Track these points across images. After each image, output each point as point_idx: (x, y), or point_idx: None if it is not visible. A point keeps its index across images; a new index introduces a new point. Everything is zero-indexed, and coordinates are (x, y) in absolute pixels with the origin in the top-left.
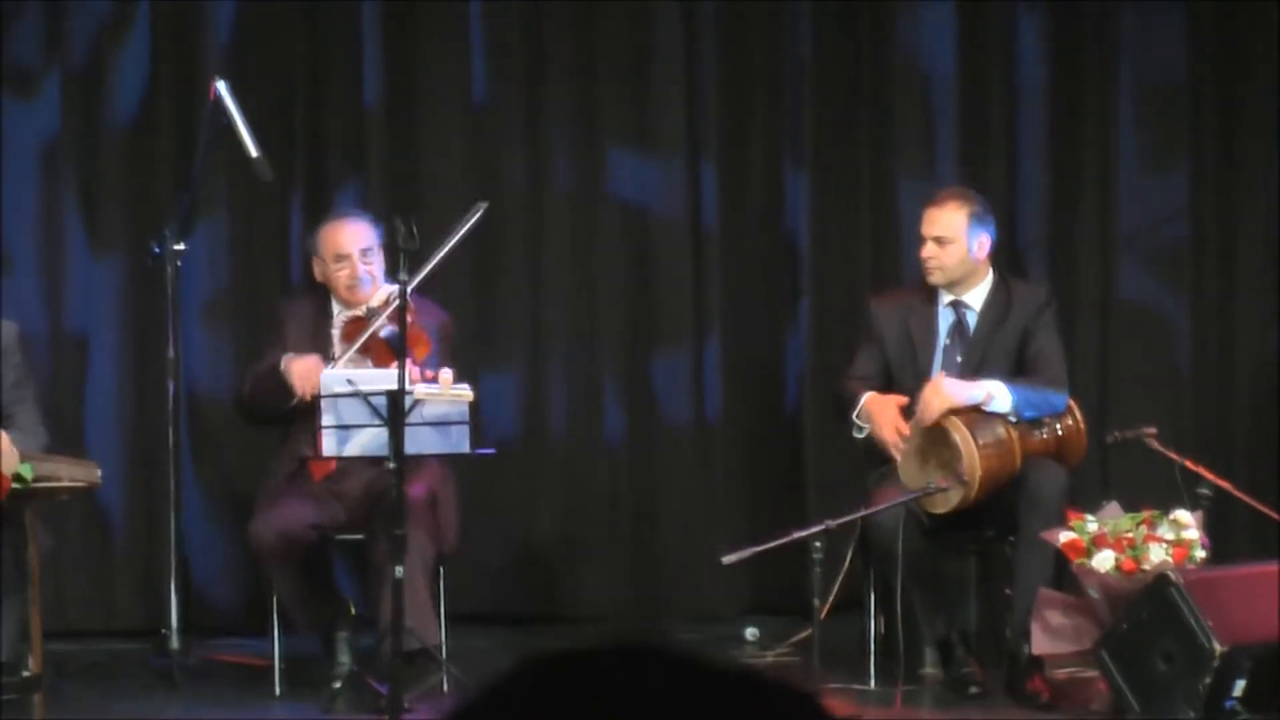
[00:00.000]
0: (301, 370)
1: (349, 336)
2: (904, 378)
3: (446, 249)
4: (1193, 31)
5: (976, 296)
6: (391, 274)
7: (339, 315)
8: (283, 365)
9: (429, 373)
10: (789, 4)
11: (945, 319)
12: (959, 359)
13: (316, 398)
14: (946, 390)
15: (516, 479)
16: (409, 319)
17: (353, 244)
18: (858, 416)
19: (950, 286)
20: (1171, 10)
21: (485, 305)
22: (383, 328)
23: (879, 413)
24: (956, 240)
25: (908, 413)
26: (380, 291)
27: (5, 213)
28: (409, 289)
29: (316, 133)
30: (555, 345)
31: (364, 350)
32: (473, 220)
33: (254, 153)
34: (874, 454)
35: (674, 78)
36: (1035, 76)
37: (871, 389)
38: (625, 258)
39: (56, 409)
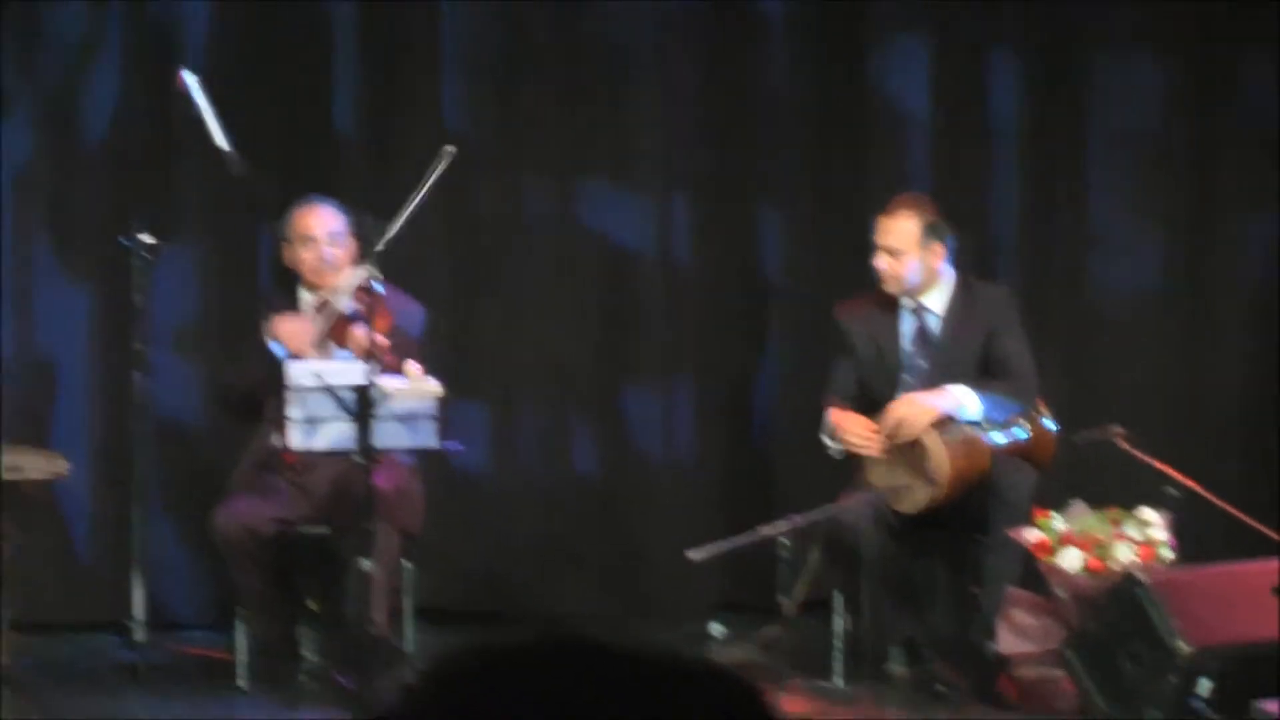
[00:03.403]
0: (291, 329)
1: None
2: (877, 385)
3: (416, 201)
4: (1166, 79)
5: (938, 300)
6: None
7: (306, 300)
8: (270, 331)
9: (384, 343)
10: (764, 43)
11: (908, 325)
12: (923, 364)
13: (284, 391)
14: (919, 410)
15: (487, 497)
16: (378, 313)
17: (319, 227)
18: (827, 434)
19: (910, 293)
20: (1143, 58)
21: (456, 335)
22: (345, 304)
23: (843, 422)
24: (908, 250)
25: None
26: (348, 276)
27: None
28: (377, 273)
29: (287, 160)
30: (526, 377)
31: (327, 329)
32: (440, 169)
33: (222, 144)
34: (846, 471)
35: (649, 112)
36: (1009, 118)
37: (845, 405)
38: (598, 290)
39: (26, 405)
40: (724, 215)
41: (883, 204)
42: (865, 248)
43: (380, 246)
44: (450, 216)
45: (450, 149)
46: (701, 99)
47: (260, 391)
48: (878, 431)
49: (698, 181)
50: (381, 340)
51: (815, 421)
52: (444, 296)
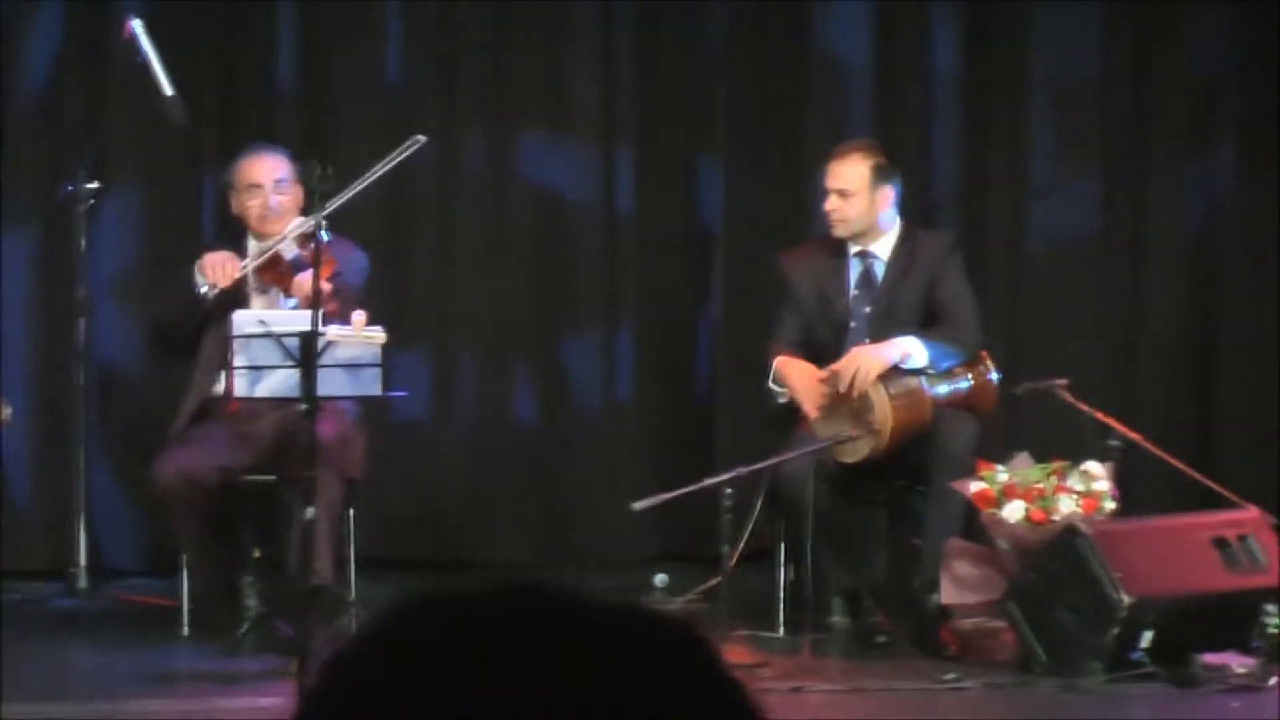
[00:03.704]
0: (214, 259)
1: (263, 268)
2: (821, 330)
3: (372, 178)
4: (1105, 27)
5: (883, 247)
6: (305, 212)
7: (252, 249)
8: (195, 268)
9: (328, 288)
10: None
11: (854, 270)
12: (867, 309)
13: (229, 338)
14: (868, 361)
15: (427, 442)
16: (322, 260)
17: (265, 175)
18: (773, 381)
19: (856, 238)
20: (1086, 5)
21: (396, 285)
22: (289, 250)
23: (795, 376)
24: (859, 193)
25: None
26: (293, 224)
27: None
28: (323, 221)
29: (229, 111)
30: (466, 327)
31: (270, 273)
32: (406, 153)
33: (168, 91)
34: (786, 421)
35: (590, 61)
36: (949, 68)
37: (789, 351)
38: (539, 240)
39: None
40: (664, 163)
41: (823, 154)
42: (806, 196)
43: (327, 209)
44: (392, 175)
45: (420, 137)
46: (641, 48)
47: (184, 326)
48: (825, 379)
49: (638, 130)
50: (325, 286)
51: (757, 371)
52: (383, 245)
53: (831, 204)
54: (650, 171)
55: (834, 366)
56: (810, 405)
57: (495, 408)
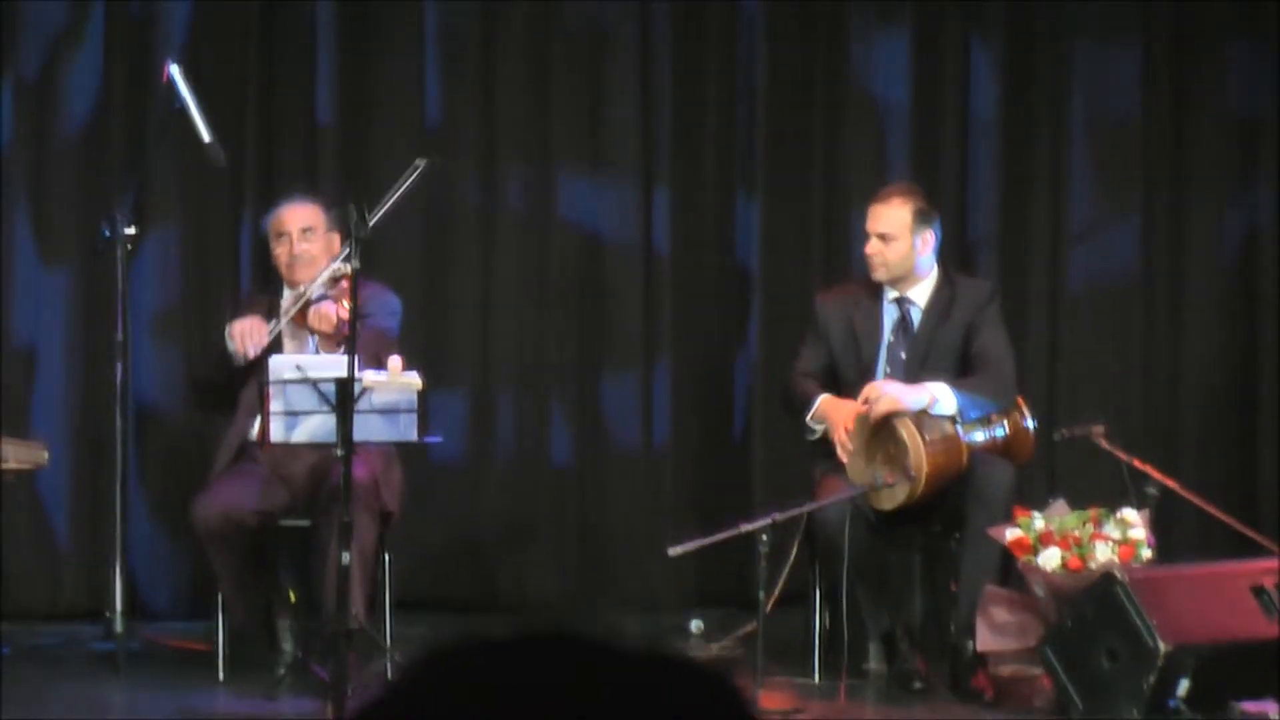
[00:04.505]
0: (242, 328)
1: (297, 315)
2: (848, 373)
3: (384, 208)
4: (1145, 70)
5: (921, 293)
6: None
7: (287, 298)
8: (226, 332)
9: (344, 314)
10: (744, 32)
11: (890, 315)
12: (903, 355)
13: (265, 384)
14: (891, 391)
15: (462, 486)
16: (348, 300)
17: (293, 223)
18: (812, 419)
19: (895, 283)
20: (1126, 47)
21: (434, 326)
22: (317, 294)
23: (834, 414)
24: (900, 237)
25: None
26: (325, 271)
27: None
28: (355, 268)
29: (268, 150)
30: (504, 368)
31: (301, 318)
32: (411, 178)
33: (206, 137)
34: (823, 450)
35: (628, 102)
36: (988, 107)
37: (821, 387)
38: (577, 281)
39: (4, 390)
40: (703, 204)
41: (861, 195)
42: (845, 237)
43: (347, 252)
44: (428, 206)
45: (421, 160)
46: (680, 87)
47: (222, 384)
48: (853, 434)
49: (677, 171)
50: (343, 312)
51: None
52: (420, 285)
53: (873, 248)
54: (688, 211)
55: (863, 393)
56: (843, 446)
57: (532, 447)
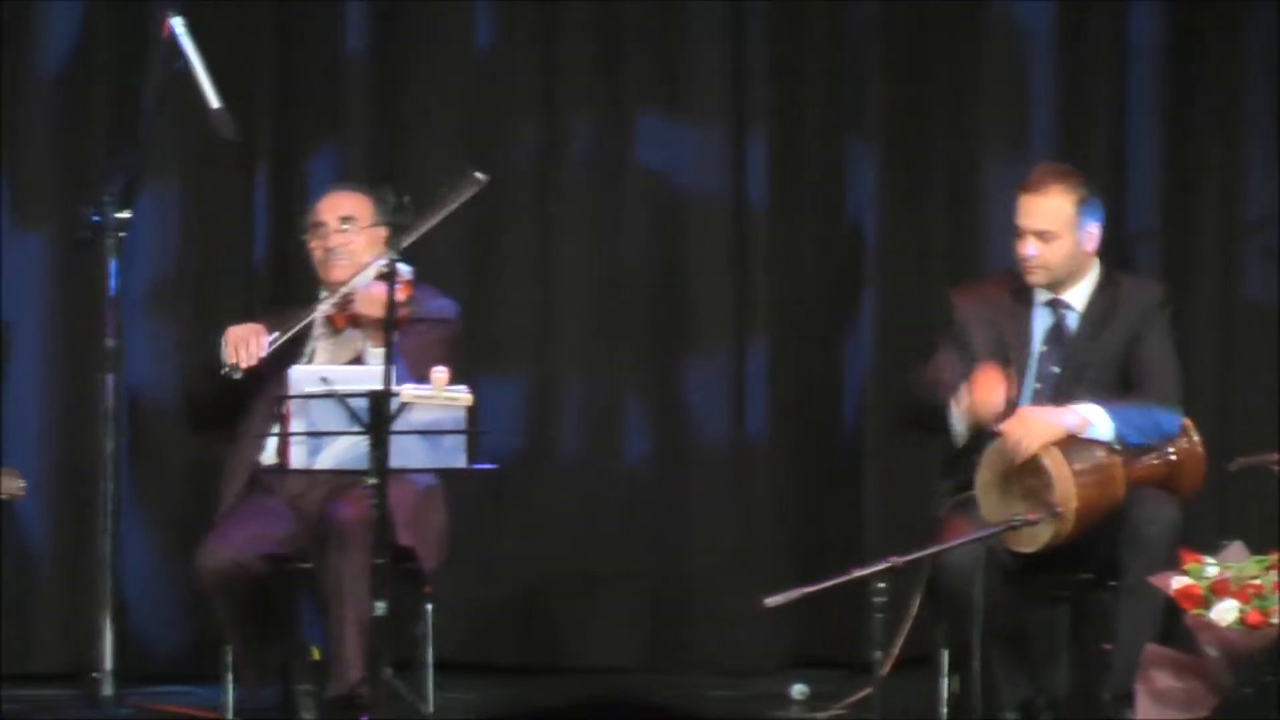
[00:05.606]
0: (237, 334)
1: (337, 308)
2: None
3: (428, 225)
4: None
5: (1079, 295)
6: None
7: (323, 309)
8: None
9: (404, 307)
10: None
11: (1041, 321)
12: (1055, 369)
13: (282, 403)
14: (1036, 425)
15: (518, 505)
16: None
17: (330, 211)
18: (955, 414)
19: (1055, 285)
20: None
21: (485, 297)
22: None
23: (983, 390)
24: (1063, 234)
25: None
26: (366, 271)
27: None
28: (395, 262)
29: (286, 85)
30: (569, 347)
31: (341, 316)
32: (465, 196)
33: (214, 104)
34: (952, 478)
35: (716, 29)
36: (1147, 32)
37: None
38: (655, 242)
39: None
40: (805, 151)
41: (994, 136)
42: (974, 195)
43: (398, 251)
44: (480, 155)
45: (481, 176)
46: (780, 14)
47: (211, 401)
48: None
49: (773, 112)
50: (399, 294)
51: None
52: (470, 252)
53: (1030, 248)
54: (787, 159)
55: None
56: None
57: (601, 443)
